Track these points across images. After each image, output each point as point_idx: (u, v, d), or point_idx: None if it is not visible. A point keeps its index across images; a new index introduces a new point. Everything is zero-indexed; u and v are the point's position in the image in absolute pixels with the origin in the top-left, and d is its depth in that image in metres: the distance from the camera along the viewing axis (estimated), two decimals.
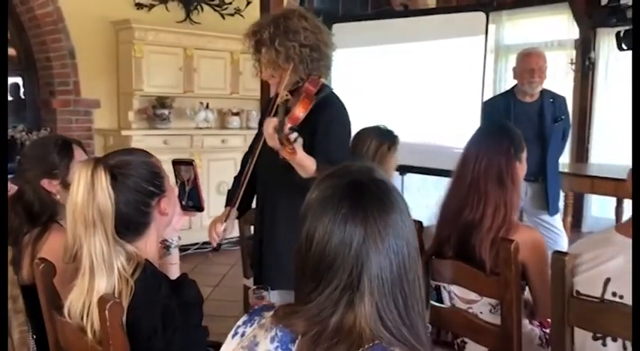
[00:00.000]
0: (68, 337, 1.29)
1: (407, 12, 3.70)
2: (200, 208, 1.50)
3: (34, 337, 1.60)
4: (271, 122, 1.71)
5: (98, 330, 1.18)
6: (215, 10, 5.27)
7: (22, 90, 5.17)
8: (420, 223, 1.88)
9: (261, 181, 2.04)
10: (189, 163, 1.49)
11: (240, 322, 0.98)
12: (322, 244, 0.86)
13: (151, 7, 4.94)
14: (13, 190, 1.84)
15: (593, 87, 5.83)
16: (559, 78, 5.96)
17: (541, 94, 3.40)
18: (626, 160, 1.62)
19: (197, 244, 4.74)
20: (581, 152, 5.81)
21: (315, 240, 0.87)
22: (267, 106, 2.03)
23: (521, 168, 1.83)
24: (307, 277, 0.89)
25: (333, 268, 0.86)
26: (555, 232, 3.43)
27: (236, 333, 0.97)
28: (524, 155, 1.84)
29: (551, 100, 3.41)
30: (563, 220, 4.32)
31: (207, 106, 5.10)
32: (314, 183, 0.95)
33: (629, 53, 4.75)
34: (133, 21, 4.63)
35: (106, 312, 1.09)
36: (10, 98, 5.11)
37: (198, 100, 5.09)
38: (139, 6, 4.88)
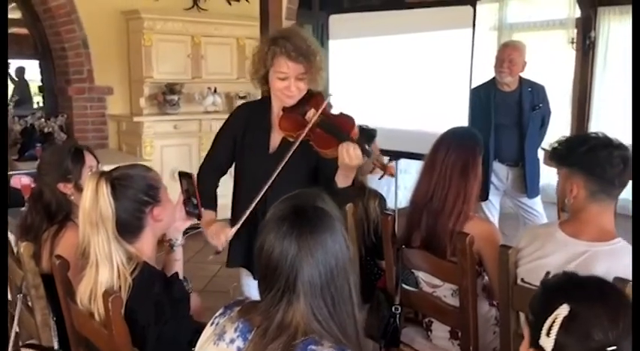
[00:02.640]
0: (80, 321, 1.56)
1: (396, 4, 3.83)
2: (198, 216, 1.73)
3: (55, 318, 1.82)
4: (352, 147, 1.79)
5: (103, 315, 1.43)
6: None
7: (25, 73, 5.41)
8: (393, 215, 2.11)
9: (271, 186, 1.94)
10: (190, 176, 1.72)
11: (217, 314, 1.21)
12: (268, 254, 1.09)
13: None
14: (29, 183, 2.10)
15: (593, 66, 5.90)
16: (559, 57, 6.05)
17: (520, 83, 3.55)
18: (625, 140, 1.67)
19: None
20: (581, 131, 5.92)
21: (263, 250, 1.10)
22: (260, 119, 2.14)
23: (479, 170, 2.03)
24: (261, 280, 1.12)
25: (275, 274, 1.08)
26: (534, 214, 3.60)
27: (213, 322, 1.20)
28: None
29: (530, 89, 3.56)
30: None
31: (215, 91, 5.28)
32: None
33: (629, 32, 4.81)
34: (142, 11, 4.78)
35: (109, 304, 1.33)
36: (16, 78, 5.41)
37: (206, 86, 5.27)
38: None
